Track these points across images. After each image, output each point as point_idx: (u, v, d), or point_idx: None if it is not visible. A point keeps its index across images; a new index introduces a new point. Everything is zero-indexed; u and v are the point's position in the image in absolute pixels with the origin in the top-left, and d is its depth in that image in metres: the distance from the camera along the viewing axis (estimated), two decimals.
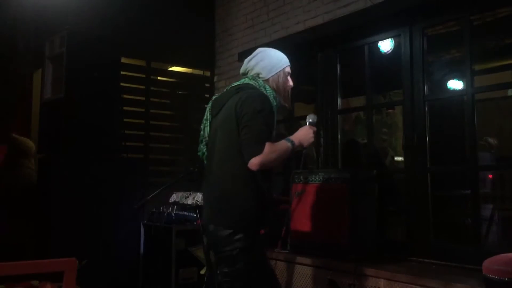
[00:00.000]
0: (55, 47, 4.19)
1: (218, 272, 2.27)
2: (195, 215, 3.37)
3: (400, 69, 3.54)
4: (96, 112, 4.05)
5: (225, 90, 2.44)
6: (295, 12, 4.33)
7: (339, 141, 4.07)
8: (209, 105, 2.45)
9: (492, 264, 2.12)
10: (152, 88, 5.14)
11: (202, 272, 3.45)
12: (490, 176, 4.63)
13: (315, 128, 2.34)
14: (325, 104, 4.14)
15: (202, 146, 2.41)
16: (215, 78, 5.45)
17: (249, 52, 4.85)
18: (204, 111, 2.46)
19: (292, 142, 2.22)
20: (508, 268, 2.04)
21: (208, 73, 5.51)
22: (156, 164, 5.14)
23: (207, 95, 5.43)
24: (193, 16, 5.36)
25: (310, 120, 2.41)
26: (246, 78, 2.39)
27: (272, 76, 2.36)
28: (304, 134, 2.29)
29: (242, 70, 2.48)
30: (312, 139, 2.29)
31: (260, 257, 2.26)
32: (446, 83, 5.30)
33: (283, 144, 2.19)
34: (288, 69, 2.44)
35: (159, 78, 5.27)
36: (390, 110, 6.90)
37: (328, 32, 3.95)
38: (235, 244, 2.14)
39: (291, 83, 2.44)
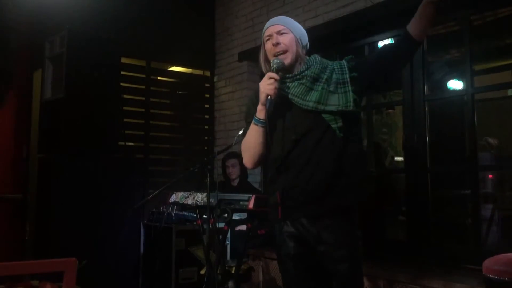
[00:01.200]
0: (55, 47, 4.17)
1: None
2: (195, 215, 3.36)
3: None
4: (96, 112, 4.04)
5: None
6: (295, 12, 4.32)
7: None
8: None
9: (492, 264, 2.11)
10: (152, 88, 5.14)
11: (202, 272, 3.45)
12: (490, 176, 4.63)
13: (273, 74, 1.96)
14: None
15: None
16: (215, 78, 5.44)
17: (249, 52, 4.93)
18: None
19: (254, 117, 2.03)
20: (508, 268, 2.04)
21: (208, 73, 5.51)
22: (156, 164, 5.15)
23: (207, 95, 5.42)
24: (193, 16, 5.36)
25: (275, 66, 2.00)
26: None
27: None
28: (260, 87, 1.99)
29: None
30: (264, 88, 1.95)
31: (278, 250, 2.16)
32: (446, 83, 5.29)
33: (250, 128, 2.08)
34: (265, 35, 2.10)
35: (159, 78, 5.28)
36: (390, 110, 6.89)
37: (328, 32, 3.95)
38: None
39: (268, 46, 2.08)
